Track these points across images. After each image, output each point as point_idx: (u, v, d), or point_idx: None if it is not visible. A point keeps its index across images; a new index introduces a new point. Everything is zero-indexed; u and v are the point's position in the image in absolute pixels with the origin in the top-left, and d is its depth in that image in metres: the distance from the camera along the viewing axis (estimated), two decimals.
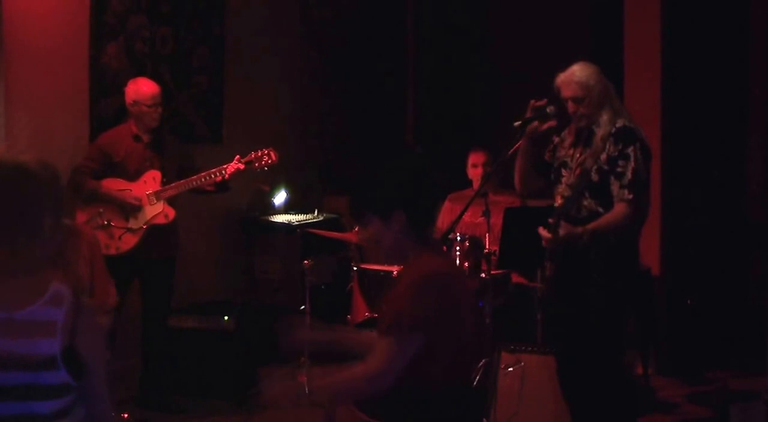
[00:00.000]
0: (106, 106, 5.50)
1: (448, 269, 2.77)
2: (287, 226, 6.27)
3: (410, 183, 2.68)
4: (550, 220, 3.80)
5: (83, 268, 3.39)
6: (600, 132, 3.96)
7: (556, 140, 4.18)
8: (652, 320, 5.88)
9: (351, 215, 5.89)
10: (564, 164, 4.10)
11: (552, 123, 4.06)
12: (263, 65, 6.80)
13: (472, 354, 2.76)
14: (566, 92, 4.00)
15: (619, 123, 3.96)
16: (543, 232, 3.82)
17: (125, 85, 5.26)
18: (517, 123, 4.07)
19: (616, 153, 3.91)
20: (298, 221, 6.33)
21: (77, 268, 3.36)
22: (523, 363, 4.46)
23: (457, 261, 4.96)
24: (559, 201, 4.07)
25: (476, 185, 5.56)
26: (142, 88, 5.14)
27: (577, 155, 4.05)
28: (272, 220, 6.38)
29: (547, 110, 4.03)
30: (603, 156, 3.93)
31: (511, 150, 4.15)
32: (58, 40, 5.27)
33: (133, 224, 5.06)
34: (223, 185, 5.19)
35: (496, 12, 7.51)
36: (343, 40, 7.47)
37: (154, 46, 5.91)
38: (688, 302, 6.07)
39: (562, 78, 4.03)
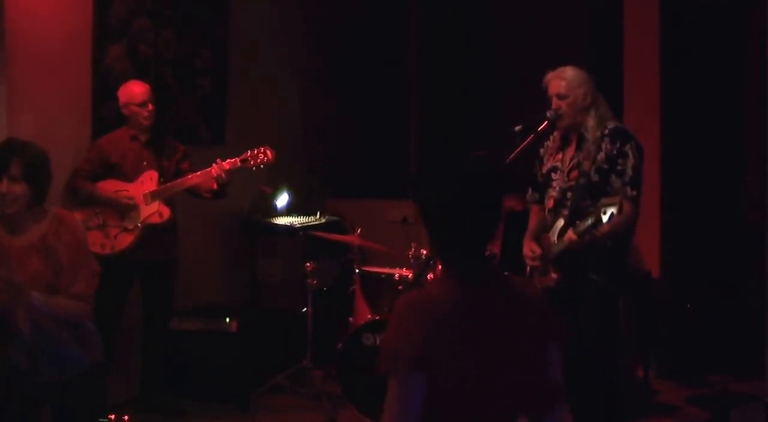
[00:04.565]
0: (109, 108, 5.50)
1: (451, 299, 2.20)
2: (289, 228, 6.27)
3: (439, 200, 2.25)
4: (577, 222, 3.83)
5: (64, 254, 3.43)
6: (590, 136, 4.03)
7: (541, 151, 4.25)
8: (653, 323, 5.90)
9: None
10: (554, 169, 4.16)
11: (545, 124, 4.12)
12: (266, 68, 6.81)
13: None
14: (552, 88, 4.11)
15: (611, 124, 4.04)
16: (571, 234, 3.85)
17: None
18: (518, 128, 4.12)
19: (615, 152, 3.98)
20: (301, 224, 6.33)
21: (59, 255, 3.41)
22: None
23: None
24: (551, 204, 4.14)
25: None
26: (130, 89, 5.22)
27: (567, 159, 4.11)
28: (274, 222, 6.37)
29: (548, 113, 4.10)
30: (601, 156, 3.99)
31: (513, 155, 4.19)
32: (61, 42, 5.27)
33: (128, 223, 5.07)
34: (219, 192, 5.19)
35: (500, 15, 7.53)
36: (346, 43, 7.48)
37: (157, 48, 5.92)
38: (688, 306, 6.09)
39: (551, 74, 4.12)
